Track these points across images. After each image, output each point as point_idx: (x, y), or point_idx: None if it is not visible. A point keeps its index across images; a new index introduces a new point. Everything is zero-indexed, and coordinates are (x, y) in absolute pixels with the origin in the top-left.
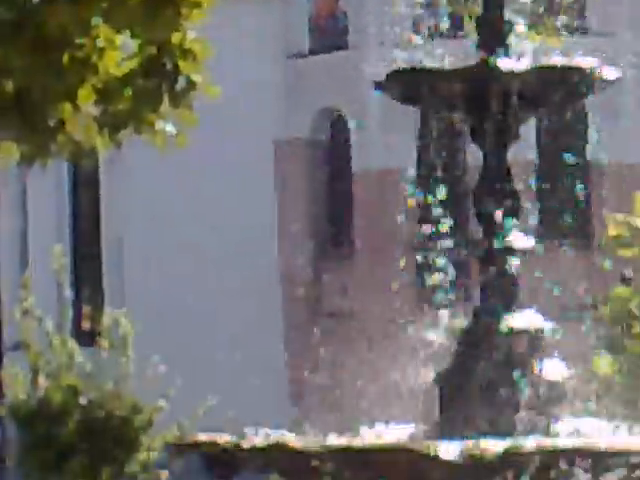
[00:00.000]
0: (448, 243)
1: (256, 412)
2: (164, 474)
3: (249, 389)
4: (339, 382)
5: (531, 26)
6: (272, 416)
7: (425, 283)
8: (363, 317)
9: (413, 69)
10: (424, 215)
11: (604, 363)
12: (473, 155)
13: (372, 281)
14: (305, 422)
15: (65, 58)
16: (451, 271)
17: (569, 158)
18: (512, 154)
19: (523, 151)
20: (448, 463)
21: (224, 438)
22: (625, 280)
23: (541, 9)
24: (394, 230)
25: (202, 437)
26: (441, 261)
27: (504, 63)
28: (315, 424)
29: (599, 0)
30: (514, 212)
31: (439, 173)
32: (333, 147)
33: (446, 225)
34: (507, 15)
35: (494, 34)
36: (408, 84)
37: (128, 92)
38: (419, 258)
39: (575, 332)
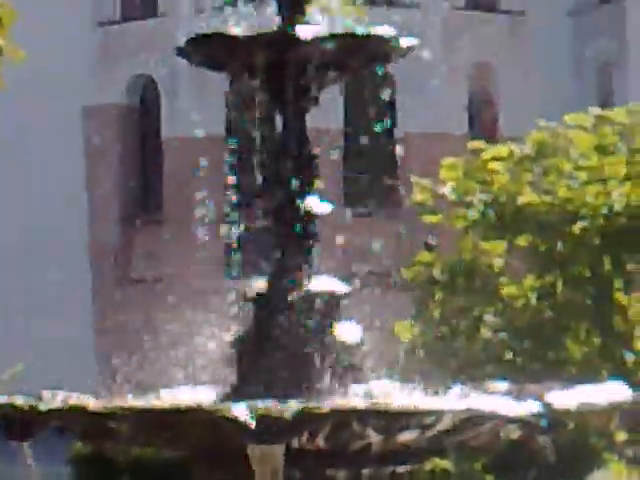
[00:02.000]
0: (244, 211)
1: (63, 377)
2: None
3: (56, 354)
4: (143, 347)
5: None
6: (78, 380)
7: (229, 252)
8: (170, 283)
9: (213, 34)
10: (230, 183)
11: (404, 328)
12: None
13: (180, 248)
14: (108, 385)
15: None
16: (250, 238)
17: (374, 127)
18: (319, 122)
19: (331, 120)
20: (243, 424)
21: (20, 399)
22: (429, 246)
23: None
24: (202, 198)
25: None
26: (238, 229)
27: (302, 30)
28: (118, 388)
29: None
30: (312, 177)
31: (244, 140)
32: (144, 113)
33: (244, 192)
34: None
35: (295, 2)
36: (208, 49)
37: None
38: (223, 227)
39: (378, 297)
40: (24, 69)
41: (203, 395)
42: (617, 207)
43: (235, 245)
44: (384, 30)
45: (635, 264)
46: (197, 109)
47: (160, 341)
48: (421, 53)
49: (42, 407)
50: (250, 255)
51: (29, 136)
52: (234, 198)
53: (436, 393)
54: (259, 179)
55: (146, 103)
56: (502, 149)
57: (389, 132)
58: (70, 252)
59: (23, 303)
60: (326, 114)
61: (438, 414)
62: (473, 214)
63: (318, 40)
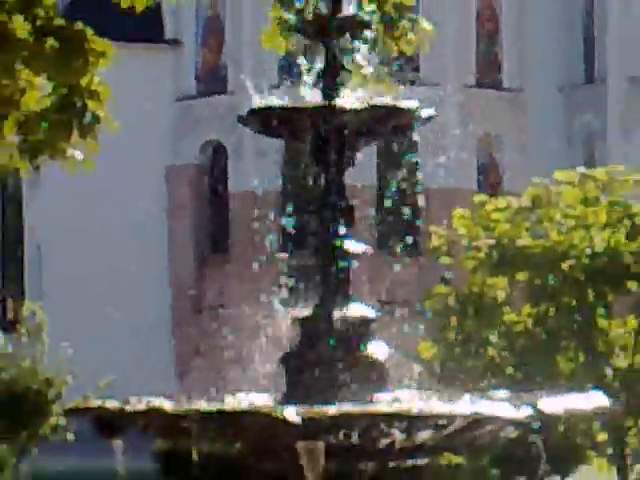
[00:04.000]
0: (296, 250)
1: (150, 386)
2: (70, 435)
3: (144, 368)
4: (215, 361)
5: (369, 76)
6: (160, 389)
7: (280, 285)
8: (235, 311)
9: (267, 106)
10: (283, 229)
11: (426, 348)
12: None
13: (242, 280)
14: (185, 392)
15: None
16: (299, 273)
17: (400, 182)
18: (357, 180)
19: (366, 178)
20: (291, 423)
21: (111, 403)
22: (445, 281)
23: (378, 63)
24: (262, 241)
25: (93, 403)
26: (291, 265)
27: (341, 102)
28: (194, 394)
29: (429, 56)
30: (349, 223)
31: (297, 192)
32: (214, 172)
33: (298, 234)
34: (347, 64)
35: (335, 80)
36: (264, 119)
37: (44, 125)
38: (279, 263)
39: (402, 322)
40: (116, 135)
41: (260, 400)
42: (598, 249)
43: (287, 278)
44: (409, 103)
45: (614, 295)
46: (257, 168)
47: (226, 357)
48: (440, 122)
49: (128, 409)
50: (299, 286)
51: (119, 190)
52: (287, 241)
53: (449, 400)
54: (307, 225)
55: (215, 163)
56: (502, 201)
57: (414, 189)
58: (154, 287)
59: (119, 331)
60: (362, 172)
61: (450, 417)
62: (480, 255)
63: (354, 111)
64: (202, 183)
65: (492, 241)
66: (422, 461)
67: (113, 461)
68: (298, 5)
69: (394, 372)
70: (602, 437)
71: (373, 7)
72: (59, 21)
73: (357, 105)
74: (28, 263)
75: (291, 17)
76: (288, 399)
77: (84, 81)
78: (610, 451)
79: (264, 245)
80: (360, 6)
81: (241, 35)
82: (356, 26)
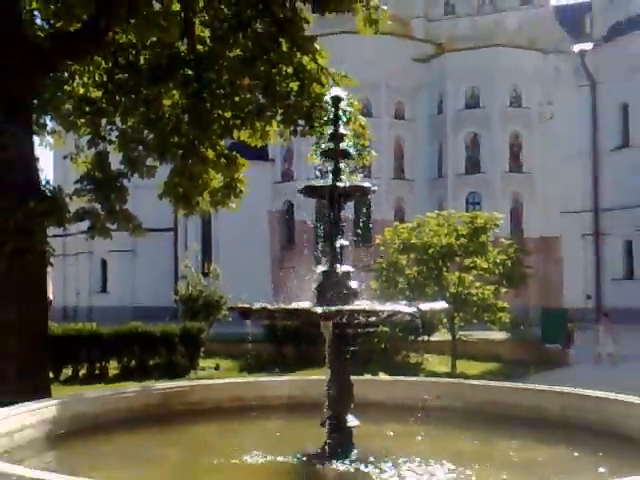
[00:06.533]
0: (323, 246)
1: (261, 298)
2: (230, 318)
3: (260, 290)
4: (289, 288)
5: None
6: (266, 300)
7: (319, 258)
8: (299, 267)
9: (310, 185)
10: (319, 240)
11: (375, 284)
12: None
13: (302, 257)
14: (276, 301)
15: (197, 181)
16: (323, 252)
17: (365, 217)
18: (348, 214)
19: (349, 214)
20: (319, 314)
21: (245, 304)
22: (381, 256)
23: (352, 168)
24: (307, 242)
25: (239, 305)
26: (320, 250)
27: (340, 183)
28: (280, 302)
29: (374, 165)
30: (342, 234)
31: (322, 220)
32: (288, 213)
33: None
34: (341, 168)
35: (337, 172)
36: (309, 190)
37: (219, 194)
38: (319, 248)
39: (367, 275)
40: (247, 197)
41: (307, 304)
42: (444, 244)
43: (320, 255)
44: (366, 184)
45: (450, 263)
46: (305, 211)
47: (294, 286)
48: (378, 193)
49: (253, 307)
50: (323, 258)
51: (249, 219)
52: (320, 243)
53: (383, 305)
54: (327, 236)
55: (289, 209)
56: (404, 225)
57: (368, 219)
58: (262, 259)
59: (250, 276)
60: (347, 212)
61: (382, 311)
62: (395, 246)
63: (344, 187)
64: (283, 217)
65: (400, 241)
66: (372, 330)
67: (247, 329)
68: (323, 145)
69: (360, 294)
70: (444, 320)
71: (352, 144)
72: (225, 152)
73: (345, 185)
74: (213, 246)
75: (319, 150)
76: (318, 304)
77: (236, 176)
78: (448, 326)
79: (308, 244)
80: (348, 144)
81: (299, 156)
82: (345, 154)
